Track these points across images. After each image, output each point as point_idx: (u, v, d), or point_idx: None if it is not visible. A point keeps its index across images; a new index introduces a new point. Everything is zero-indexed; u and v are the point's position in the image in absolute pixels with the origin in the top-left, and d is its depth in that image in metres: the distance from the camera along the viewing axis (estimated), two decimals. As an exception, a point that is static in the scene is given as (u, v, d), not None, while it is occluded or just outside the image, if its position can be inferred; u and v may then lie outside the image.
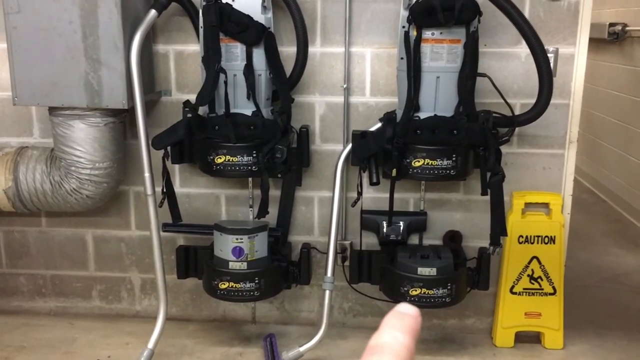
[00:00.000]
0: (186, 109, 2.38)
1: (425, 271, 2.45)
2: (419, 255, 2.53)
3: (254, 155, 2.36)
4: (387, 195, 2.52)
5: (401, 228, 2.65)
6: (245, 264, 2.51)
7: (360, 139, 2.45)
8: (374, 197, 2.68)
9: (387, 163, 2.38)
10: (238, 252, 2.50)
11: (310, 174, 2.71)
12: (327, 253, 2.59)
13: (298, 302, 2.90)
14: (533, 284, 2.65)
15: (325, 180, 2.71)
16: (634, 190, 4.36)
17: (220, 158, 2.37)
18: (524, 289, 2.66)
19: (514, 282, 2.66)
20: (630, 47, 4.53)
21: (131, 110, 2.42)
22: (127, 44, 2.32)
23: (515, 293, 2.67)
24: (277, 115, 2.39)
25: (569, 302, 2.70)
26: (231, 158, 2.37)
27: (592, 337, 2.80)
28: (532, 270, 2.63)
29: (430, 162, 2.29)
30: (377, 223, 2.68)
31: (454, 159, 2.30)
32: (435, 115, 2.29)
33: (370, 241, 2.73)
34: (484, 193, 2.36)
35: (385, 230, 2.66)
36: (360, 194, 2.46)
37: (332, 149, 2.67)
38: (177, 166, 2.74)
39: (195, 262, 2.72)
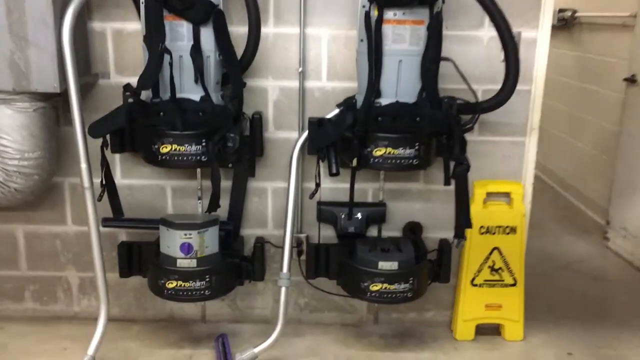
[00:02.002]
0: (127, 93, 2.17)
1: (386, 265, 2.33)
2: (379, 249, 2.41)
3: (203, 144, 2.18)
4: (345, 185, 2.39)
5: (360, 220, 2.53)
6: (194, 261, 2.33)
7: (317, 126, 2.29)
8: (331, 187, 2.54)
9: (346, 152, 2.24)
10: (187, 248, 2.31)
11: (264, 163, 2.54)
12: (282, 247, 2.43)
13: (251, 299, 2.74)
14: (494, 275, 2.58)
15: (279, 170, 2.55)
16: (582, 177, 4.40)
17: (166, 147, 2.17)
18: (484, 280, 2.58)
19: (474, 274, 2.58)
20: (579, 34, 4.54)
21: (64, 95, 2.18)
22: (58, 21, 2.08)
23: (476, 285, 2.59)
24: (228, 100, 2.21)
25: (526, 292, 2.64)
26: (178, 147, 2.17)
27: (550, 327, 2.76)
28: (493, 261, 2.56)
29: (392, 151, 2.17)
30: (334, 215, 2.54)
31: (416, 147, 2.18)
32: (397, 101, 2.16)
33: (327, 234, 2.60)
34: (447, 183, 2.25)
35: (343, 222, 2.52)
36: (318, 185, 2.31)
37: (286, 137, 2.51)
38: (117, 155, 2.52)
39: (139, 259, 2.52)
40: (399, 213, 2.61)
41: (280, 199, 2.57)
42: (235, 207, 2.57)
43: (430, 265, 2.47)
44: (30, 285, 2.72)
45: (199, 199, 2.56)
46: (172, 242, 2.33)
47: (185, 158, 2.18)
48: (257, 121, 2.40)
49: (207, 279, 2.34)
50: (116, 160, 2.54)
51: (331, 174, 2.18)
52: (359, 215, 2.53)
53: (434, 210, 2.61)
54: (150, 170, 2.54)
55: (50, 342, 2.58)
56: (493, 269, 2.57)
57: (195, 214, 2.53)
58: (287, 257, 2.42)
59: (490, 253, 2.55)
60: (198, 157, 2.19)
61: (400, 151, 2.17)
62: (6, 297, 2.72)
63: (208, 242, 2.36)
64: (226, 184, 2.54)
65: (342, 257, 2.48)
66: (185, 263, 2.33)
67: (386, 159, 2.18)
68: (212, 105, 2.19)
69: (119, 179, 2.55)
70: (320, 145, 2.22)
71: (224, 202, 2.54)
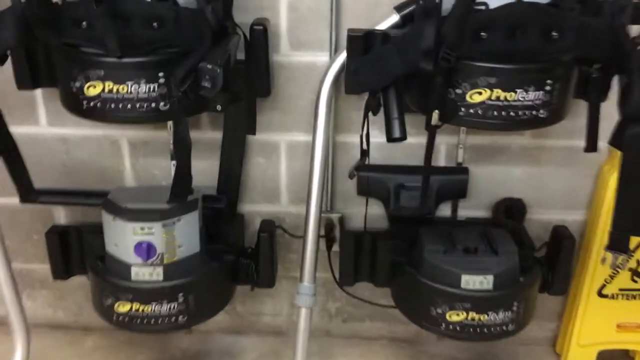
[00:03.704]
0: (17, -15, 1.18)
1: (474, 282, 1.41)
2: (459, 248, 1.48)
3: (161, 80, 1.21)
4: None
5: (426, 195, 1.57)
6: (159, 270, 1.43)
7: (364, 47, 1.29)
8: (380, 142, 1.56)
9: (414, 93, 1.26)
10: (146, 250, 1.41)
11: (273, 104, 1.57)
12: (303, 238, 1.51)
13: (256, 302, 1.86)
14: (637, 282, 1.64)
15: (298, 114, 1.58)
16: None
17: (95, 87, 1.21)
18: (620, 289, 1.66)
19: (605, 279, 1.65)
20: None
21: None
22: None
23: (605, 296, 1.67)
24: (204, 1, 1.22)
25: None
26: (116, 87, 1.21)
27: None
28: (638, 261, 1.62)
29: (503, 94, 1.17)
30: (385, 186, 1.60)
31: (548, 88, 1.19)
32: (518, 0, 1.14)
33: (373, 212, 1.66)
34: (592, 148, 1.28)
35: (399, 198, 1.59)
36: (365, 152, 1.34)
37: (310, 61, 1.52)
38: (39, 92, 1.58)
39: (81, 251, 1.64)
40: (488, 183, 1.65)
41: (300, 159, 1.62)
42: (229, 172, 1.63)
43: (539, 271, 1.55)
44: None
45: (173, 159, 1.62)
46: (121, 239, 1.42)
47: (130, 106, 1.22)
48: (260, 36, 1.40)
49: (182, 299, 1.45)
50: (38, 99, 1.60)
51: (391, 139, 1.19)
52: (424, 187, 1.58)
53: (544, 179, 1.64)
54: (93, 113, 1.59)
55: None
56: (636, 273, 1.63)
57: (165, 187, 1.59)
58: (311, 259, 1.50)
59: (634, 250, 1.61)
60: (153, 104, 1.23)
61: (518, 95, 1.18)
62: None
63: (182, 238, 1.44)
64: (215, 135, 1.60)
65: (397, 255, 1.56)
66: (145, 274, 1.43)
67: (490, 110, 1.19)
68: (175, 10, 1.20)
69: (44, 127, 1.63)
70: (370, 85, 1.23)
71: (213, 164, 1.61)
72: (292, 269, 1.77)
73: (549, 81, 1.18)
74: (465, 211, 1.67)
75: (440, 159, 1.63)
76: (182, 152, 1.22)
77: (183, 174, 1.24)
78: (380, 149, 1.59)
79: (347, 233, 1.63)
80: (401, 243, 1.57)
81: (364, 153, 1.32)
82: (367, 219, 1.66)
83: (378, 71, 1.19)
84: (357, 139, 1.57)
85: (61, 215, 1.73)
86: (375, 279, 1.62)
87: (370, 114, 1.23)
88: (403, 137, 1.18)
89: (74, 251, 1.63)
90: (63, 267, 1.64)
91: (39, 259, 1.77)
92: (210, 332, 1.88)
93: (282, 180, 1.68)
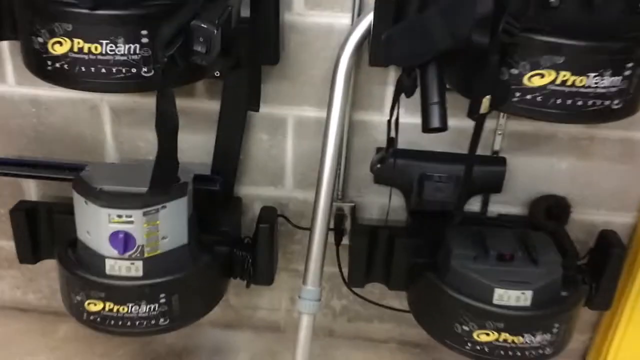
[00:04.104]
0: None
1: (510, 297, 1.20)
2: (493, 254, 1.25)
3: (144, 40, 0.97)
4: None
5: (453, 186, 1.35)
6: (139, 264, 1.21)
7: (396, 12, 1.04)
8: (403, 122, 1.32)
9: (456, 68, 1.02)
10: (123, 242, 1.19)
11: (281, 73, 1.33)
12: (310, 230, 1.29)
13: (253, 295, 1.65)
14: (689, 299, 1.43)
15: (310, 86, 1.34)
16: None
17: (61, 45, 0.97)
18: (669, 306, 1.45)
19: (653, 293, 1.44)
20: None
21: None
22: None
23: (651, 312, 1.46)
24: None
25: None
26: (87, 46, 0.97)
27: None
28: (694, 276, 1.41)
29: (572, 78, 0.94)
30: (407, 174, 1.37)
31: (627, 72, 0.95)
32: (600, -41, 0.89)
33: (392, 203, 1.44)
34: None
35: (424, 189, 1.36)
36: (392, 141, 1.10)
37: (327, 22, 1.27)
38: (5, 45, 1.34)
39: (51, 230, 1.42)
40: (527, 176, 1.42)
41: (310, 137, 1.39)
42: (227, 149, 1.39)
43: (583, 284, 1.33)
44: None
45: (161, 130, 1.38)
46: (94, 226, 1.20)
47: (104, 70, 0.98)
48: (268, -9, 1.15)
49: (164, 299, 1.24)
50: (4, 53, 1.36)
51: (428, 129, 0.95)
52: (452, 178, 1.35)
53: (594, 175, 1.41)
54: (68, 73, 1.35)
55: None
56: (691, 290, 1.42)
57: (151, 164, 1.36)
58: (317, 258, 1.29)
59: (692, 263, 1.39)
60: (133, 69, 0.99)
61: (589, 80, 0.94)
62: None
63: (167, 228, 1.22)
64: (213, 106, 1.36)
65: (417, 257, 1.35)
66: (122, 269, 1.21)
67: (553, 97, 0.95)
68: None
69: (12, 86, 1.39)
70: (404, 59, 0.98)
71: (208, 140, 1.38)
72: (294, 260, 1.56)
73: (629, 64, 0.94)
74: (497, 206, 1.45)
75: (474, 146, 1.39)
76: (165, 130, 0.98)
77: (166, 158, 1.01)
78: (402, 131, 1.34)
79: (360, 227, 1.41)
80: (422, 242, 1.35)
81: (391, 142, 1.09)
82: (385, 213, 1.44)
83: (416, 43, 0.94)
84: (376, 118, 1.36)
85: (32, 188, 1.50)
86: (389, 282, 1.40)
87: (402, 95, 0.99)
88: (443, 127, 0.94)
89: (43, 232, 1.41)
90: (30, 250, 1.42)
91: (7, 235, 1.55)
92: (199, 325, 1.65)
93: (288, 161, 1.45)
